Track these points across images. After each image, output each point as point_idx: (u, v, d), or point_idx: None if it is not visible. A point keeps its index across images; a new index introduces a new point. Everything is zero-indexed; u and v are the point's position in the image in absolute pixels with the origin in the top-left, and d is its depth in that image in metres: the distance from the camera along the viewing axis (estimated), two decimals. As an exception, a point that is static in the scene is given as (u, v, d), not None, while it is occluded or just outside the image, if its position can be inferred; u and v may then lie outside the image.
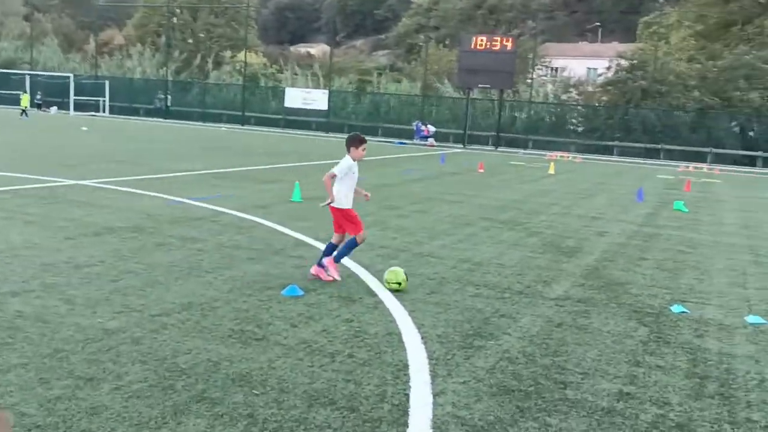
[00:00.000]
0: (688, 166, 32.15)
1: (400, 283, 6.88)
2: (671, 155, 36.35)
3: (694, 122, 37.16)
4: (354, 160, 7.08)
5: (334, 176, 6.98)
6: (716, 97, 37.08)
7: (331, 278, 7.12)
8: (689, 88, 37.66)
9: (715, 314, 6.92)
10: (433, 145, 37.31)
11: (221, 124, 46.15)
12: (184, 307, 6.00)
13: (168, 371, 4.60)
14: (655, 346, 5.83)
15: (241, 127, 45.56)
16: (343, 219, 7.15)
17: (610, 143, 38.14)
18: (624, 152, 37.25)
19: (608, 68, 41.79)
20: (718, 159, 35.03)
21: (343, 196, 7.07)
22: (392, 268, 7.07)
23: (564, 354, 5.47)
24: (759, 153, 34.95)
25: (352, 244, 7.26)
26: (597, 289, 7.64)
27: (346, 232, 7.22)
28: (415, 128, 39.86)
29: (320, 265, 7.21)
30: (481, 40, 37.39)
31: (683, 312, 6.89)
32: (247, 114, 47.57)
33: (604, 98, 41.91)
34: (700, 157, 35.60)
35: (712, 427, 4.32)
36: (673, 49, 41.93)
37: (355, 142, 7.08)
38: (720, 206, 16.71)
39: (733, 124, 36.79)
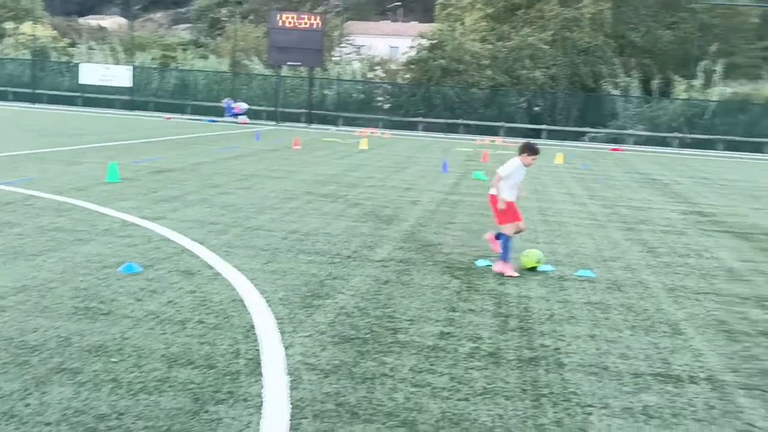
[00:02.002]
0: (483, 139, 34.98)
1: (539, 262, 7.74)
2: (469, 130, 39.22)
3: (488, 99, 40.34)
4: (523, 165, 7.62)
5: (500, 177, 7.61)
6: (506, 75, 40.48)
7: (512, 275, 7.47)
8: (483, 67, 40.71)
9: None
10: (245, 123, 37.09)
11: (7, 103, 42.24)
12: (19, 290, 5.93)
13: (19, 348, 4.65)
14: (466, 294, 6.75)
15: (32, 105, 42.05)
16: (494, 209, 7.75)
17: (415, 119, 40.29)
18: (428, 128, 39.57)
19: (411, 47, 43.89)
20: (510, 132, 38.40)
21: (503, 190, 7.61)
22: (530, 251, 7.89)
23: (392, 306, 6.19)
24: (543, 126, 38.80)
25: (505, 241, 7.59)
26: (415, 251, 8.51)
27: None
28: (225, 106, 39.30)
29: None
30: (290, 18, 37.64)
31: (487, 265, 7.93)
32: (38, 91, 43.96)
33: (408, 76, 44.02)
34: (494, 131, 38.78)
35: (515, 352, 5.24)
36: (468, 30, 45.00)
37: (528, 150, 7.59)
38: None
39: (521, 100, 40.48)
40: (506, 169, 7.68)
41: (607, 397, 4.53)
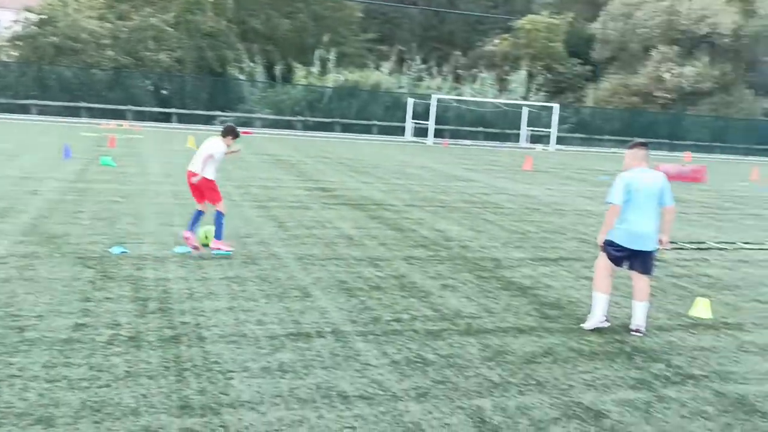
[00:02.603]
0: (109, 123, 33.12)
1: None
2: (92, 113, 36.69)
3: (111, 81, 38.15)
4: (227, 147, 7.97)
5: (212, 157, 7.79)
6: (130, 57, 38.75)
7: None
8: (103, 47, 38.33)
9: (150, 250, 7.97)
10: None
11: None
12: None
13: None
14: (101, 283, 6.51)
15: None
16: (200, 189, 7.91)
17: (27, 102, 36.27)
18: (43, 111, 35.92)
19: (15, 21, 39.19)
20: (138, 116, 36.96)
21: (210, 171, 7.88)
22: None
23: (16, 304, 5.69)
24: (173, 110, 38.20)
25: (220, 218, 7.62)
26: (38, 244, 7.86)
27: None
28: None
29: None
30: None
31: (123, 252, 7.72)
32: None
33: (14, 53, 39.31)
34: (120, 115, 36.94)
35: (156, 333, 5.27)
36: (83, 7, 41.83)
37: (232, 133, 8.03)
38: (144, 159, 18.12)
39: (147, 82, 39.20)
40: (218, 151, 7.83)
41: (247, 361, 4.87)
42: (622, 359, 5.45)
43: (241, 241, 8.78)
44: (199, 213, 8.00)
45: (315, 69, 41.32)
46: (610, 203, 5.98)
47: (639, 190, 5.91)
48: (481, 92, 44.99)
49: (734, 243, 11.10)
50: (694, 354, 5.68)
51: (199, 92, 39.74)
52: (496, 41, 55.53)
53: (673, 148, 44.69)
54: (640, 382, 5.00)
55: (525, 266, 8.51)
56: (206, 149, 7.87)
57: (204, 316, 5.76)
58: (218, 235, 7.94)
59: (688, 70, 46.82)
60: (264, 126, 38.84)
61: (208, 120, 38.84)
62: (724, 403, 4.71)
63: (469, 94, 44.24)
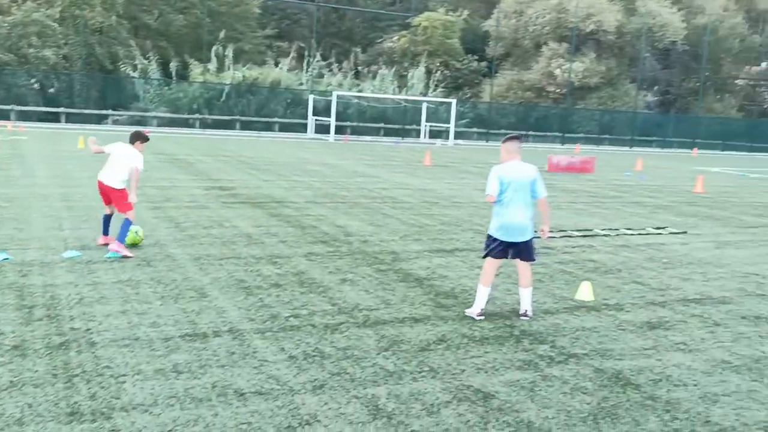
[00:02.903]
0: (-8, 125, 31.24)
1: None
2: (-28, 114, 34.50)
3: (-8, 79, 35.99)
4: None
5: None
6: (11, 54, 36.66)
7: None
8: (-17, 43, 36.10)
9: (37, 255, 7.65)
10: None
11: None
12: None
13: None
14: (-18, 292, 6.21)
15: None
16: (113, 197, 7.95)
17: None
18: None
19: None
20: (23, 116, 35.05)
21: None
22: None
23: None
24: (62, 109, 36.45)
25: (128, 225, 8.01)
26: None
27: None
28: None
29: None
30: None
31: (6, 259, 7.37)
32: None
33: None
34: (4, 115, 34.90)
35: (43, 341, 5.09)
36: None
37: (141, 138, 8.31)
38: (30, 161, 17.25)
39: (32, 81, 37.21)
40: (140, 161, 8.13)
41: (140, 363, 4.79)
42: (511, 343, 5.72)
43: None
44: (109, 217, 8.17)
45: (212, 66, 40.47)
46: (488, 194, 6.24)
47: (511, 182, 6.11)
48: (381, 89, 45.42)
49: (617, 230, 11.78)
50: (577, 334, 6.03)
51: (89, 90, 38.11)
52: (395, 38, 56.21)
53: (564, 140, 46.70)
54: (526, 363, 5.28)
55: (422, 258, 8.74)
56: (125, 161, 8.00)
57: (95, 321, 5.61)
58: (121, 239, 7.82)
59: (577, 65, 48.99)
60: (160, 125, 37.72)
61: (99, 119, 37.35)
62: (602, 378, 5.05)
63: (369, 90, 44.56)
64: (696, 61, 52.37)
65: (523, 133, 46.05)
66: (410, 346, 5.50)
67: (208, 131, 37.16)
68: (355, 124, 41.89)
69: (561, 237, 10.80)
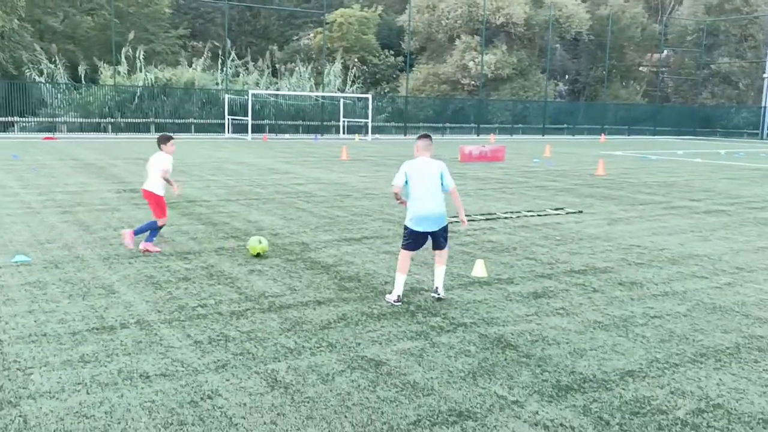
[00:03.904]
0: None
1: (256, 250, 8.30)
2: None
3: None
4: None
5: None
6: None
7: None
8: None
9: (-61, 264, 7.61)
10: None
11: None
12: None
13: None
14: None
15: None
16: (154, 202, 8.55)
17: None
18: None
19: None
20: None
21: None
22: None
23: None
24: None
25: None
26: None
27: None
28: None
29: None
30: None
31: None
32: None
33: None
34: None
35: (-52, 342, 5.21)
36: None
37: (166, 139, 8.65)
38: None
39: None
40: (169, 162, 8.57)
41: (48, 356, 4.99)
42: (406, 317, 6.18)
43: (42, 247, 8.60)
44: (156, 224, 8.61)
45: (122, 68, 39.63)
46: (393, 185, 6.69)
47: (416, 176, 6.51)
48: (298, 86, 45.50)
49: (519, 212, 12.48)
50: (468, 306, 6.55)
51: (-7, 97, 36.73)
52: (311, 35, 56.32)
53: (480, 131, 48.00)
54: (418, 334, 5.74)
55: (331, 247, 9.12)
56: (154, 170, 8.54)
57: (1, 321, 5.74)
58: (140, 231, 8.58)
59: (489, 58, 50.39)
60: (71, 130, 36.75)
61: (5, 127, 36.06)
62: (485, 342, 5.56)
63: (287, 88, 44.58)
64: (601, 50, 54.68)
65: (439, 125, 47.12)
66: (312, 326, 5.88)
67: (122, 135, 36.43)
68: (273, 122, 41.87)
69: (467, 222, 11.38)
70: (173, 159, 8.79)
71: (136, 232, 8.58)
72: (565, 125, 52.69)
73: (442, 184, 6.58)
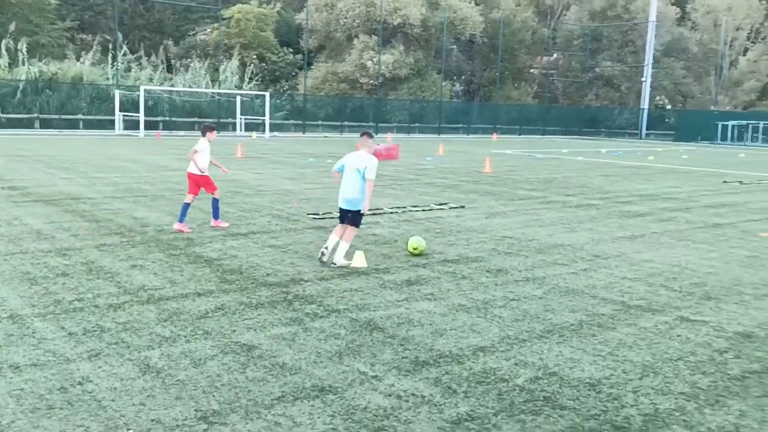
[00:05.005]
0: None
1: (416, 248, 8.77)
2: None
3: None
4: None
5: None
6: None
7: None
8: None
9: None
10: None
11: None
12: None
13: None
14: None
15: None
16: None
17: None
18: None
19: None
20: None
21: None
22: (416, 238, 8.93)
23: None
24: None
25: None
26: None
27: None
28: None
29: None
30: None
31: None
32: None
33: None
34: None
35: None
36: None
37: (210, 129, 10.17)
38: None
39: None
40: (206, 147, 9.95)
41: None
42: (283, 306, 6.46)
43: None
44: (187, 205, 9.99)
45: (3, 61, 37.68)
46: (333, 171, 8.36)
47: (347, 165, 8.04)
48: (194, 82, 44.69)
49: (405, 208, 12.99)
50: (344, 294, 6.91)
51: None
52: (208, 30, 55.33)
53: (378, 129, 48.71)
54: (292, 320, 6.04)
55: (216, 242, 9.26)
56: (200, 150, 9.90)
57: None
58: (216, 215, 10.28)
59: (387, 57, 51.20)
60: (-54, 126, 34.62)
61: None
62: (355, 326, 5.93)
63: (182, 84, 43.70)
64: (494, 53, 56.67)
65: (338, 124, 47.49)
66: (189, 316, 6.06)
67: (3, 131, 34.66)
68: (168, 119, 40.97)
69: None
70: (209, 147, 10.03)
71: (215, 217, 10.28)
72: (461, 125, 54.31)
73: (362, 176, 7.94)
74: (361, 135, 8.24)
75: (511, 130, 56.00)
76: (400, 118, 51.15)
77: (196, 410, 4.22)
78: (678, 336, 5.94)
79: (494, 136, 49.36)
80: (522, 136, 54.44)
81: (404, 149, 29.14)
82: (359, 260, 8.17)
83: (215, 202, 10.29)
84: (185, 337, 5.51)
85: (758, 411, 4.48)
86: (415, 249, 8.81)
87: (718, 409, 4.50)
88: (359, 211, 8.01)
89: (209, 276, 7.45)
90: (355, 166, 7.94)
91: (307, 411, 4.27)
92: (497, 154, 30.65)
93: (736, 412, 4.46)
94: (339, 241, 8.10)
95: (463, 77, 62.14)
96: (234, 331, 5.70)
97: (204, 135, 10.07)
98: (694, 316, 6.56)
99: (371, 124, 49.29)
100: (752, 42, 65.34)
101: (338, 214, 8.28)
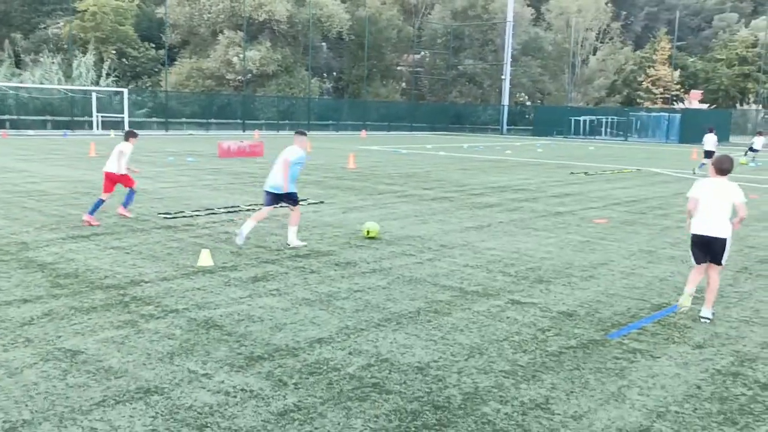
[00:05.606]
0: None
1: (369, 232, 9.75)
2: None
3: None
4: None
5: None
6: None
7: None
8: None
9: None
10: None
11: None
12: None
13: None
14: None
15: None
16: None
17: None
18: None
19: None
20: None
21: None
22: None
23: None
24: None
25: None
26: None
27: None
28: None
29: None
30: None
31: None
32: None
33: None
34: None
35: None
36: None
37: (132, 135, 11.08)
38: None
39: None
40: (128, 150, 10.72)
41: None
42: (118, 308, 6.23)
43: None
44: (101, 201, 10.58)
45: None
46: None
47: (279, 156, 8.92)
48: (46, 78, 42.05)
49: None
50: (185, 294, 6.75)
51: None
52: (61, 24, 52.18)
53: (246, 127, 47.91)
54: (126, 322, 5.83)
55: (54, 245, 8.77)
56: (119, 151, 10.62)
57: None
58: (126, 204, 11.11)
59: (253, 54, 50.42)
60: None
61: None
62: (192, 325, 5.81)
63: (31, 80, 40.98)
64: (362, 50, 57.18)
65: (204, 121, 46.27)
66: (11, 323, 5.71)
67: None
68: (15, 117, 38.28)
69: (206, 214, 11.54)
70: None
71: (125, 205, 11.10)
72: (330, 122, 54.43)
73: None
74: (296, 134, 9.24)
75: (381, 126, 56.80)
76: (269, 115, 50.53)
77: (4, 421, 3.99)
78: (507, 318, 6.28)
79: (363, 133, 49.90)
80: (391, 133, 55.35)
81: (271, 146, 28.83)
82: (205, 258, 8.01)
83: (132, 193, 11.12)
84: (3, 346, 5.18)
85: (568, 383, 4.83)
86: (368, 233, 9.78)
87: (533, 383, 4.80)
88: (290, 195, 8.93)
89: (39, 281, 7.05)
90: (282, 158, 8.86)
91: (127, 414, 4.15)
92: (364, 150, 31.01)
93: (548, 385, 4.78)
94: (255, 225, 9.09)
95: (333, 74, 62.31)
96: (59, 337, 5.43)
97: (127, 139, 10.89)
98: (525, 298, 6.96)
99: (239, 121, 48.39)
100: (601, 42, 69.86)
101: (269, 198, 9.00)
